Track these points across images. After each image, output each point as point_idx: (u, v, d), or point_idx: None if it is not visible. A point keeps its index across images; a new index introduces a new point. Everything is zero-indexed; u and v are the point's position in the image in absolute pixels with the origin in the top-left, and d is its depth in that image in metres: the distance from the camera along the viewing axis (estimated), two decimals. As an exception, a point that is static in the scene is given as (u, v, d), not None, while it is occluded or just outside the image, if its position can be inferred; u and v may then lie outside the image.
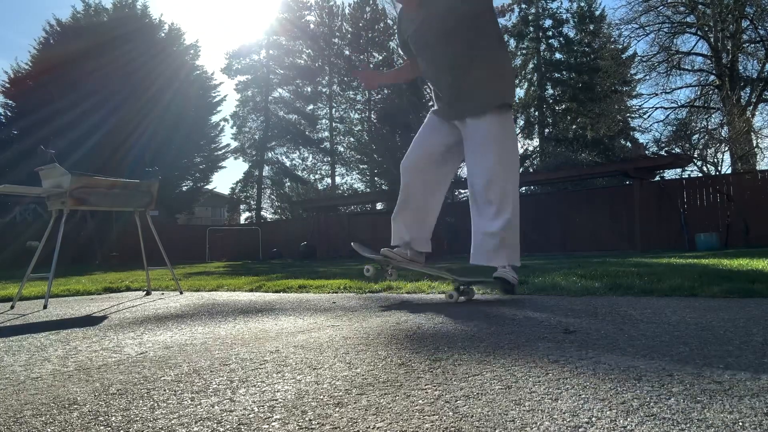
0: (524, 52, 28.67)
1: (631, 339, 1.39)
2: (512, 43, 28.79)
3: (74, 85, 18.08)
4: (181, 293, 3.81)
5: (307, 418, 0.87)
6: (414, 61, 2.60)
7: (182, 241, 16.46)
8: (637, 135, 25.45)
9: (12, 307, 3.13)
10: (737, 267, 3.35)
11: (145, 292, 3.96)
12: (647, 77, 21.40)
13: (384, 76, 2.65)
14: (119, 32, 19.42)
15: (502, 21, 28.48)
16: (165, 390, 1.09)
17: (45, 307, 3.04)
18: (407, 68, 2.73)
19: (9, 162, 17.55)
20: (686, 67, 21.24)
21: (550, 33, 28.41)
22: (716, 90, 20.15)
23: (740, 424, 0.76)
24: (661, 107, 21.75)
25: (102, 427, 0.88)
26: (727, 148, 17.90)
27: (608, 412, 0.83)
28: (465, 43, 2.30)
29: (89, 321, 2.38)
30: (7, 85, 20.64)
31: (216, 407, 0.95)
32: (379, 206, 18.71)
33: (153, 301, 3.26)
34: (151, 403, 1.00)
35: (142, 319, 2.33)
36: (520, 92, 28.97)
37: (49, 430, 0.88)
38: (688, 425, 0.76)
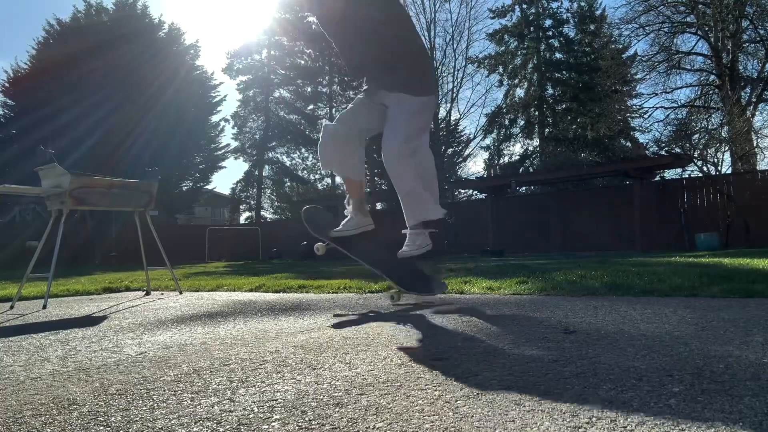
0: (524, 52, 28.63)
1: (631, 339, 1.39)
2: (513, 43, 28.77)
3: (74, 84, 18.08)
4: (181, 293, 3.81)
5: (306, 419, 0.87)
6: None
7: (182, 241, 16.43)
8: (637, 135, 25.45)
9: (11, 307, 3.12)
10: (738, 267, 3.34)
11: (144, 292, 3.96)
12: (647, 77, 21.39)
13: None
14: (119, 32, 19.42)
15: (502, 21, 28.53)
16: (164, 390, 1.09)
17: (44, 307, 3.04)
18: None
19: (9, 162, 17.54)
20: (686, 66, 21.24)
21: (551, 33, 28.38)
22: (716, 90, 20.13)
23: (740, 424, 0.76)
24: (661, 107, 21.68)
25: (101, 428, 0.87)
26: (727, 148, 17.89)
27: (609, 413, 0.83)
28: (388, 47, 2.43)
29: (89, 321, 2.38)
30: (7, 84, 20.65)
31: (216, 407, 0.95)
32: (378, 206, 18.71)
33: (152, 301, 3.26)
34: (151, 403, 1.00)
35: (141, 319, 2.33)
36: (520, 92, 28.96)
37: (48, 430, 0.88)
38: (688, 425, 0.76)
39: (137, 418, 0.91)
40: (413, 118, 2.44)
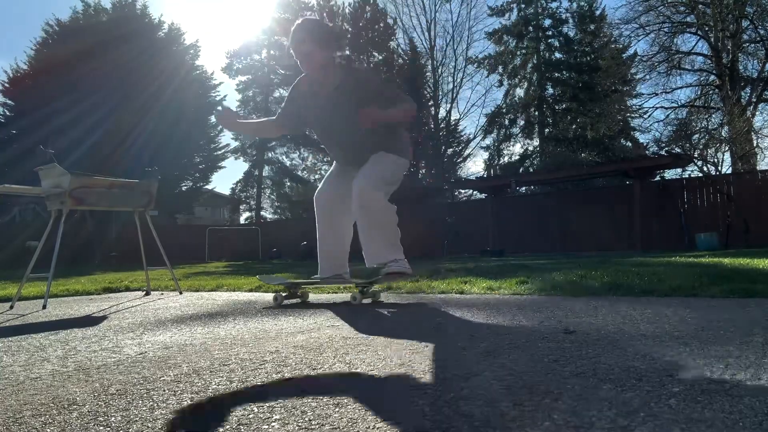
0: (524, 51, 28.63)
1: (631, 339, 1.39)
2: (512, 42, 28.77)
3: (73, 84, 18.06)
4: (181, 293, 3.81)
5: (306, 419, 0.87)
6: (283, 123, 2.80)
7: (182, 241, 16.42)
8: (637, 135, 25.45)
9: (11, 307, 3.12)
10: (738, 267, 3.34)
11: (144, 293, 3.96)
12: (647, 77, 21.39)
13: (243, 125, 2.89)
14: (118, 32, 19.39)
15: (501, 20, 28.54)
16: (164, 390, 1.09)
17: (44, 307, 3.04)
18: (270, 127, 2.92)
19: (8, 162, 17.52)
20: (686, 66, 21.24)
21: (550, 33, 28.37)
22: (716, 90, 20.13)
23: (740, 424, 0.76)
24: (662, 107, 21.69)
25: (101, 428, 0.87)
26: (727, 148, 17.89)
27: (608, 412, 0.83)
28: (372, 135, 2.52)
29: (88, 321, 2.38)
30: (7, 84, 20.64)
31: (215, 407, 0.95)
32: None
33: (152, 302, 3.26)
34: (151, 403, 1.00)
35: (141, 319, 2.33)
36: (519, 92, 28.96)
37: (48, 430, 0.88)
38: (688, 425, 0.76)
39: (137, 418, 0.91)
40: (388, 166, 2.53)
